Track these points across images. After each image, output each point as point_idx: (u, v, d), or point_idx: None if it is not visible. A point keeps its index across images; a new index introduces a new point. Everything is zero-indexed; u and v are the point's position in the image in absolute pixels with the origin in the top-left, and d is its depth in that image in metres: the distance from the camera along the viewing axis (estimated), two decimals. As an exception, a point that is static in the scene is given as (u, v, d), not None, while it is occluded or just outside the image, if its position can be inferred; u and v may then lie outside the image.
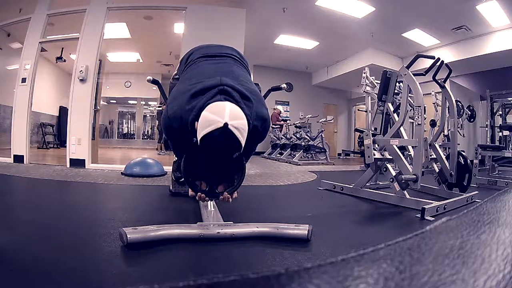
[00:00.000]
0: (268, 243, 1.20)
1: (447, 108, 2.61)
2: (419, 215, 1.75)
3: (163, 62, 7.35)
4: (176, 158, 2.15)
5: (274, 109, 7.94)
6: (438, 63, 2.32)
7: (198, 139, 1.04)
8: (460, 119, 4.27)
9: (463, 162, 2.39)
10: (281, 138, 7.01)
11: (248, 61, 1.54)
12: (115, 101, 10.45)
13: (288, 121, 7.79)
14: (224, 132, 0.98)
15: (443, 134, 2.89)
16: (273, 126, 6.91)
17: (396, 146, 2.14)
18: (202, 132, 1.00)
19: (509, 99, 6.82)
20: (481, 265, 0.23)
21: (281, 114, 7.69)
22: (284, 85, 1.80)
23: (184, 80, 1.28)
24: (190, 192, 1.29)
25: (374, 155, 2.22)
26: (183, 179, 2.09)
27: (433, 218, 1.74)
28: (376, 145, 2.29)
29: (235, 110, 1.04)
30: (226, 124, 0.97)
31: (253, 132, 1.15)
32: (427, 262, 0.23)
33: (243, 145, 1.04)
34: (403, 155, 2.17)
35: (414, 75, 2.14)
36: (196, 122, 1.06)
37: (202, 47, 1.48)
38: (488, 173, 3.67)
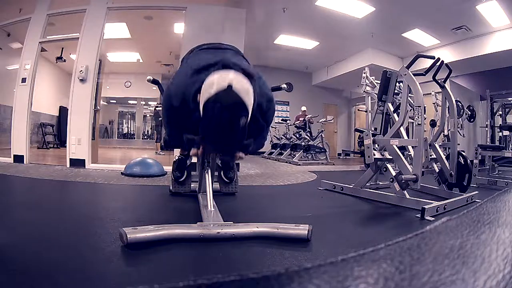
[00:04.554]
0: (268, 243, 1.20)
1: (447, 108, 2.61)
2: (419, 215, 1.74)
3: (163, 62, 7.34)
4: (176, 158, 2.15)
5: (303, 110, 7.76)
6: (438, 63, 2.32)
7: (201, 107, 0.98)
8: (460, 119, 4.27)
9: (463, 162, 2.39)
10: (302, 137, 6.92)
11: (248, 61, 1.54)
12: (115, 101, 10.44)
13: (288, 121, 7.79)
14: (228, 94, 0.92)
15: (443, 134, 2.89)
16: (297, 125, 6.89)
17: (396, 146, 2.14)
18: (205, 95, 0.95)
19: (509, 99, 6.82)
20: (481, 265, 0.23)
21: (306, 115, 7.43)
22: (284, 85, 1.80)
23: (185, 65, 1.28)
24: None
25: (374, 155, 2.21)
26: (183, 179, 2.09)
27: (433, 218, 1.74)
28: (376, 145, 2.29)
29: (238, 76, 0.99)
30: (230, 86, 0.92)
31: (258, 110, 1.11)
32: (427, 262, 0.23)
33: (249, 110, 0.98)
34: (403, 155, 2.17)
35: (414, 75, 2.14)
36: (198, 94, 1.01)
37: (202, 45, 1.48)
38: (488, 173, 3.67)
